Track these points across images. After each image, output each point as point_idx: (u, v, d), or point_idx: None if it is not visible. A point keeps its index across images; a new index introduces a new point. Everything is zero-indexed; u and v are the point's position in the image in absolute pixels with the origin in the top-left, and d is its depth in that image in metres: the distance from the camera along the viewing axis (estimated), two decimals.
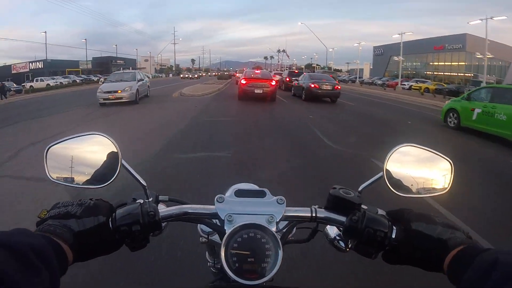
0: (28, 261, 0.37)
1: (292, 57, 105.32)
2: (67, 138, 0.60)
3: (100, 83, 35.00)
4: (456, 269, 0.44)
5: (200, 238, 0.81)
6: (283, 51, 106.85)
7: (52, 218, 0.51)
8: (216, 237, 0.75)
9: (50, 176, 0.59)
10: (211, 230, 0.73)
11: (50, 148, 0.59)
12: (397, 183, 0.60)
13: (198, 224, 0.78)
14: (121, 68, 62.62)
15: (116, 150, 0.58)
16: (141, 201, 0.57)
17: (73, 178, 0.58)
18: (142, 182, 0.58)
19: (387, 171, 0.59)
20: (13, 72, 48.78)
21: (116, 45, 75.31)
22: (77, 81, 38.59)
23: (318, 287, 2.11)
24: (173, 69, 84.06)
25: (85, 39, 55.66)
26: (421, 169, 0.62)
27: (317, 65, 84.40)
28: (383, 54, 55.13)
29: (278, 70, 48.76)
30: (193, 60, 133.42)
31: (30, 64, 50.75)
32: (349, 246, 0.61)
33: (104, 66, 63.17)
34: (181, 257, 2.28)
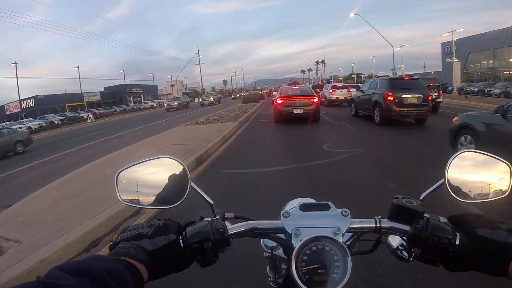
0: (107, 286, 0.41)
1: (328, 69, 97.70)
2: (137, 162, 0.65)
3: (89, 120, 31.54)
4: None
5: (264, 253, 0.88)
6: (322, 62, 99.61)
7: (124, 241, 0.55)
8: (279, 252, 0.80)
9: (121, 199, 0.64)
10: (275, 245, 0.81)
11: (121, 172, 0.65)
12: (457, 189, 0.62)
13: (262, 240, 0.85)
14: (141, 97, 58.59)
15: (184, 172, 0.64)
16: (209, 219, 0.61)
17: (143, 200, 0.64)
18: (210, 201, 0.64)
19: (449, 177, 0.61)
20: (7, 113, 46.80)
21: (134, 72, 70.15)
22: (56, 122, 33.08)
23: None
24: (201, 92, 79.52)
25: (78, 67, 51.10)
26: (480, 173, 0.64)
27: (361, 74, 75.68)
28: (457, 52, 45.57)
29: (317, 84, 42.90)
30: (225, 81, 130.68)
31: (22, 102, 46.73)
32: (412, 255, 0.62)
33: (118, 96, 57.84)
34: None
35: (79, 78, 47.79)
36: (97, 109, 44.60)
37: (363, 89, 11.60)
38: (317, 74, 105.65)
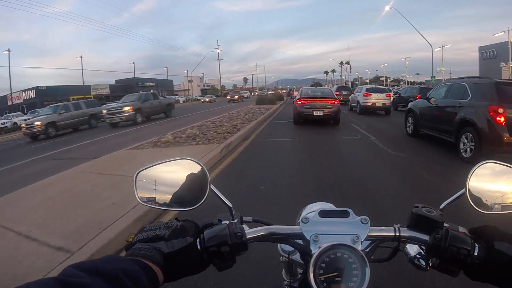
0: (123, 286, 0.42)
1: (345, 74, 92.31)
2: (157, 163, 0.66)
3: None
4: None
5: (281, 257, 0.91)
6: (347, 63, 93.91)
7: (140, 241, 0.56)
8: (296, 256, 0.82)
9: (139, 199, 0.65)
10: (292, 250, 0.83)
11: (139, 173, 0.66)
12: (478, 200, 0.62)
13: (279, 244, 0.87)
14: (151, 90, 55.08)
15: (204, 174, 0.64)
16: (227, 222, 0.61)
17: (162, 201, 0.64)
18: (228, 204, 0.64)
19: (470, 188, 0.62)
20: (9, 103, 44.24)
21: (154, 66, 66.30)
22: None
23: None
24: (220, 90, 75.26)
25: (81, 57, 48.19)
26: (502, 184, 0.64)
27: (385, 77, 70.11)
28: (496, 57, 39.46)
29: (342, 85, 40.84)
30: (245, 79, 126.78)
31: (24, 93, 44.16)
32: (430, 264, 0.63)
33: (129, 89, 54.20)
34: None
35: (82, 69, 45.00)
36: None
37: (432, 96, 7.77)
38: (340, 75, 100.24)
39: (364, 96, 15.94)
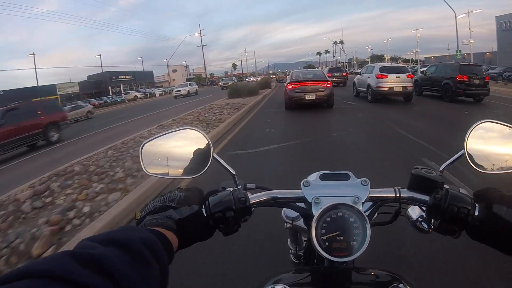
0: (139, 254, 0.42)
1: (339, 54, 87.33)
2: (160, 134, 0.70)
3: None
4: None
5: (285, 224, 0.93)
6: (341, 42, 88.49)
7: (149, 213, 0.59)
8: (300, 222, 0.88)
9: (146, 170, 0.69)
10: (295, 216, 0.89)
11: (145, 144, 0.70)
12: (478, 161, 0.64)
13: (283, 210, 0.92)
14: (120, 87, 48.45)
15: (207, 142, 0.68)
16: (231, 189, 0.64)
17: (167, 170, 0.68)
18: (232, 171, 0.67)
19: (468, 149, 0.64)
20: None
21: (141, 58, 59.50)
22: None
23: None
24: (206, 78, 69.62)
25: (33, 54, 44.16)
26: (501, 145, 0.66)
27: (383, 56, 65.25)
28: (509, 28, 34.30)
29: (335, 66, 36.25)
30: (234, 65, 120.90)
31: None
32: (431, 227, 0.66)
33: (103, 85, 48.00)
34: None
35: (35, 68, 39.29)
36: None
37: None
38: (334, 56, 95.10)
39: (377, 78, 12.14)
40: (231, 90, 19.50)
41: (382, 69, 12.28)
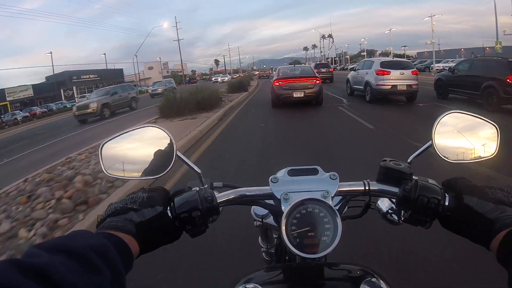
0: (88, 262, 0.41)
1: (327, 49, 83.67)
2: (120, 133, 0.69)
3: None
4: (505, 251, 0.49)
5: (255, 222, 0.93)
6: (329, 36, 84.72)
7: (110, 216, 0.58)
8: (270, 220, 0.88)
9: (107, 171, 0.68)
10: (265, 213, 0.89)
11: (105, 144, 0.68)
12: (446, 150, 0.66)
13: (252, 208, 0.92)
14: (73, 90, 42.37)
15: (170, 141, 0.67)
16: (197, 188, 0.65)
17: (129, 171, 0.68)
18: (197, 170, 0.67)
19: (435, 139, 0.66)
20: None
21: (104, 54, 53.37)
22: None
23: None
24: (184, 76, 64.52)
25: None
26: (468, 135, 0.68)
27: (375, 51, 62.07)
28: None
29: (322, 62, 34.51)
30: (216, 61, 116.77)
31: None
32: (402, 218, 0.69)
33: (62, 87, 42.38)
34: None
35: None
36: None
37: None
38: (321, 51, 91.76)
39: (378, 74, 10.88)
40: (165, 103, 10.86)
41: (383, 64, 11.06)
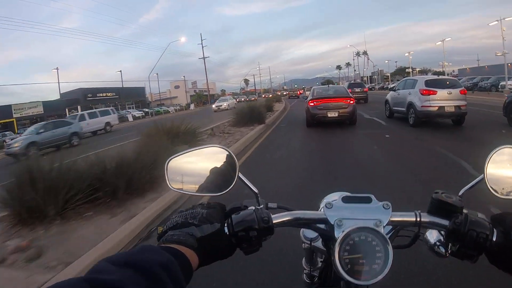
0: (155, 278, 0.44)
1: (362, 67, 79.41)
2: (187, 150, 0.74)
3: None
4: None
5: (303, 244, 0.97)
6: (364, 53, 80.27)
7: (171, 229, 0.61)
8: (318, 243, 0.92)
9: (171, 185, 0.72)
10: (314, 236, 0.93)
11: (171, 160, 0.73)
12: (498, 186, 0.67)
13: (301, 230, 0.95)
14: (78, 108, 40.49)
15: (233, 161, 0.71)
16: (253, 207, 0.68)
17: (192, 187, 0.72)
18: (255, 190, 0.72)
19: (488, 174, 0.68)
20: None
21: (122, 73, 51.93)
22: None
23: None
24: (209, 96, 62.92)
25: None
26: None
27: (412, 68, 56.64)
28: None
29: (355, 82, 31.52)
30: (246, 81, 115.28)
31: None
32: (449, 251, 0.69)
33: (73, 104, 41.50)
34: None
35: None
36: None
37: None
38: (354, 70, 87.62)
39: (423, 94, 9.84)
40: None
41: (428, 83, 10.13)
